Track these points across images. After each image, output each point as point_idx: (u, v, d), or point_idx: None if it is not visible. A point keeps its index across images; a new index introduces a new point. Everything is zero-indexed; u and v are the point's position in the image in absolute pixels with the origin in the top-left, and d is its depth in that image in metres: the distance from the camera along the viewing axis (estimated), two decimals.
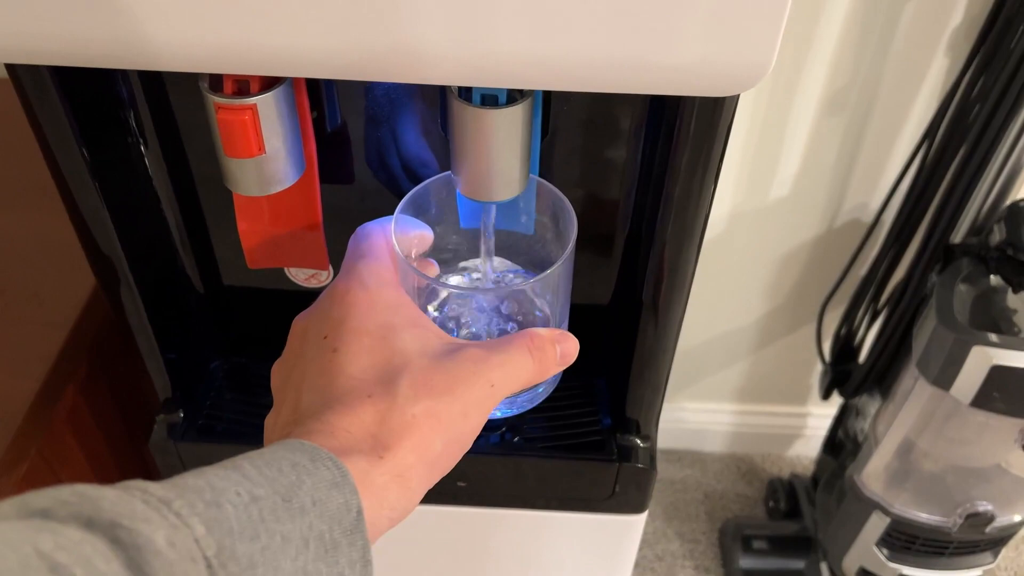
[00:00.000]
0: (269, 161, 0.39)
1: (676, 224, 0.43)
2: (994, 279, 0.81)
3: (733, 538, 1.18)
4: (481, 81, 0.35)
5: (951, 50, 0.87)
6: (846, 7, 0.84)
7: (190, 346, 0.57)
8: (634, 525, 0.58)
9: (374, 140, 0.48)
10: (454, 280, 0.46)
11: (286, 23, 0.32)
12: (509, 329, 0.44)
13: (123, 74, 0.44)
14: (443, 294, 0.43)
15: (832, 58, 0.88)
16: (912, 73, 0.89)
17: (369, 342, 0.35)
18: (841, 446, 1.08)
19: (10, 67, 0.38)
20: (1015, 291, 0.78)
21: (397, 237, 0.39)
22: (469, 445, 0.36)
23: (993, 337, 0.73)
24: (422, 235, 0.42)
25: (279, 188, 0.40)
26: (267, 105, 0.37)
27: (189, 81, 0.38)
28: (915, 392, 0.82)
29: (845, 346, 1.04)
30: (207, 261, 0.55)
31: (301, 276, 0.54)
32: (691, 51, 0.32)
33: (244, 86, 0.37)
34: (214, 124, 0.37)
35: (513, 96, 0.38)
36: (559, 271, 0.40)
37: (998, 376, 0.72)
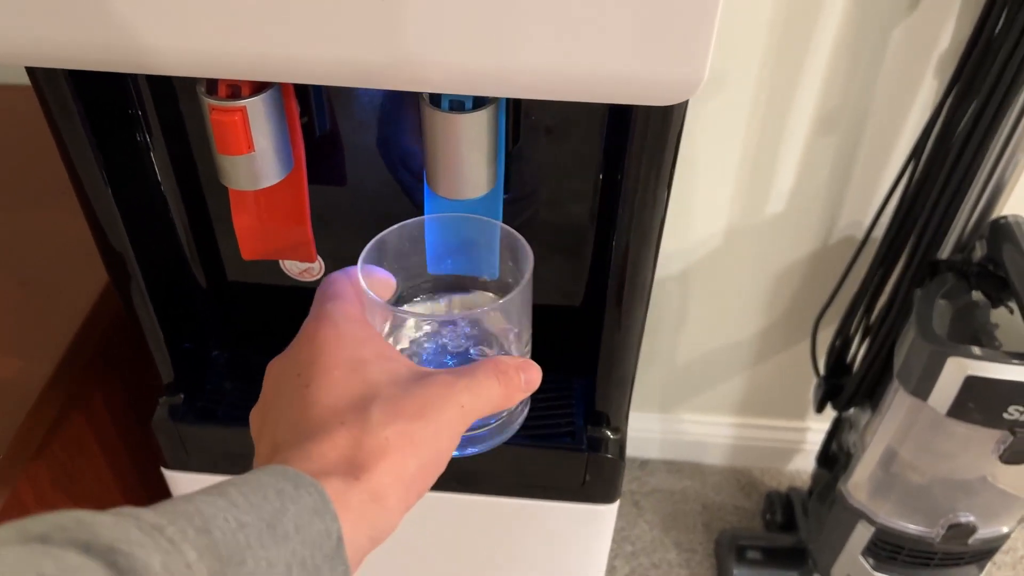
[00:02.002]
0: (257, 158, 0.43)
1: (635, 228, 0.47)
2: (976, 294, 0.83)
3: (728, 548, 1.19)
4: (448, 88, 0.39)
5: (939, 73, 0.90)
6: (836, 31, 0.88)
7: (193, 336, 0.61)
8: (605, 515, 0.61)
9: (364, 144, 0.52)
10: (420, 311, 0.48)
11: (271, 35, 0.36)
12: (475, 356, 0.45)
13: (133, 81, 0.49)
14: (409, 324, 0.45)
15: (824, 80, 0.91)
16: (901, 95, 0.92)
17: (339, 375, 0.36)
18: (835, 459, 1.10)
19: (31, 72, 0.43)
20: (994, 306, 0.80)
21: (364, 277, 0.41)
22: (444, 466, 0.36)
23: (968, 349, 0.75)
24: (386, 280, 0.43)
25: (267, 184, 0.44)
26: (256, 107, 0.41)
27: (194, 87, 0.42)
28: (896, 402, 0.84)
29: (839, 360, 1.06)
30: (211, 258, 0.59)
31: (295, 270, 0.58)
32: (630, 64, 0.36)
33: (236, 90, 0.41)
34: (209, 124, 0.41)
35: (479, 102, 0.42)
36: (517, 298, 0.41)
37: (973, 386, 0.74)
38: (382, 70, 0.37)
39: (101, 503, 0.69)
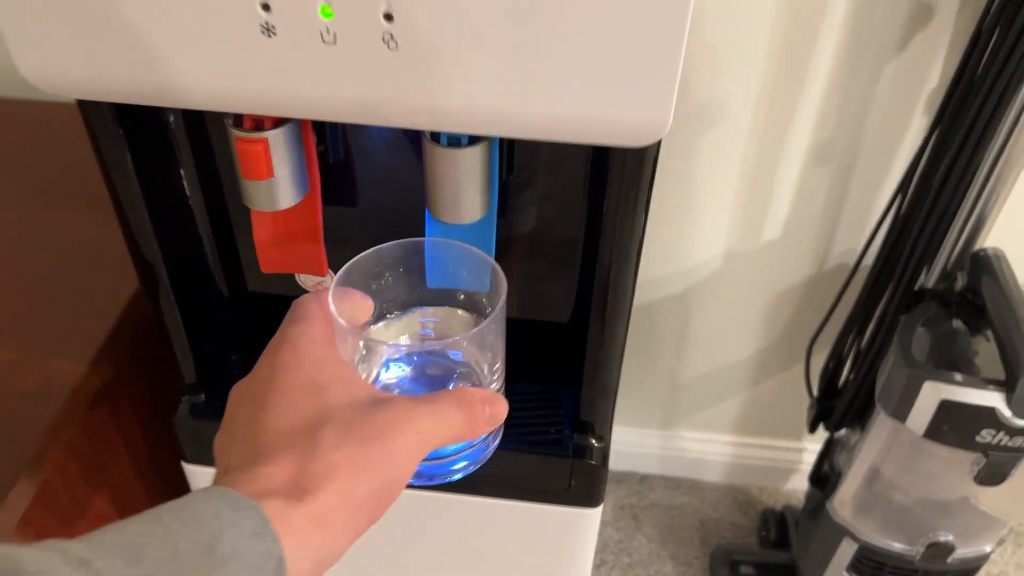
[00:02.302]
0: (277, 183, 0.48)
1: (616, 251, 0.52)
2: (956, 322, 0.87)
3: (722, 563, 1.23)
4: (445, 128, 0.44)
5: (927, 110, 0.94)
6: (829, 67, 0.92)
7: (214, 341, 0.66)
8: (589, 518, 0.65)
9: (373, 170, 0.57)
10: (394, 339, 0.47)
11: (290, 79, 0.41)
12: (449, 386, 0.45)
13: (169, 111, 0.54)
14: (380, 351, 0.44)
15: (818, 113, 0.96)
16: (891, 130, 0.96)
17: (295, 398, 0.36)
18: (826, 479, 1.13)
19: (80, 100, 0.49)
20: (973, 334, 0.84)
21: (337, 300, 0.40)
22: (398, 492, 0.36)
23: (943, 374, 0.79)
24: (363, 302, 0.43)
25: (285, 206, 0.49)
26: (277, 139, 0.47)
27: (223, 119, 0.48)
28: (878, 424, 0.88)
29: (831, 382, 1.10)
30: (233, 269, 0.65)
31: (309, 283, 0.63)
32: (605, 113, 0.41)
33: (260, 123, 0.46)
34: (234, 151, 0.47)
35: (474, 139, 0.47)
36: (490, 328, 0.41)
37: (947, 410, 0.78)
38: (386, 112, 0.42)
39: (127, 493, 0.74)
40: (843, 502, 0.98)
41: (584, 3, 0.37)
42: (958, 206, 0.85)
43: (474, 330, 0.41)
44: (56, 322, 0.72)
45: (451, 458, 0.43)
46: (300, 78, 0.41)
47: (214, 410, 0.64)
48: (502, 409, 0.40)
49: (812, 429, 1.13)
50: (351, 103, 0.42)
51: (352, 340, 0.41)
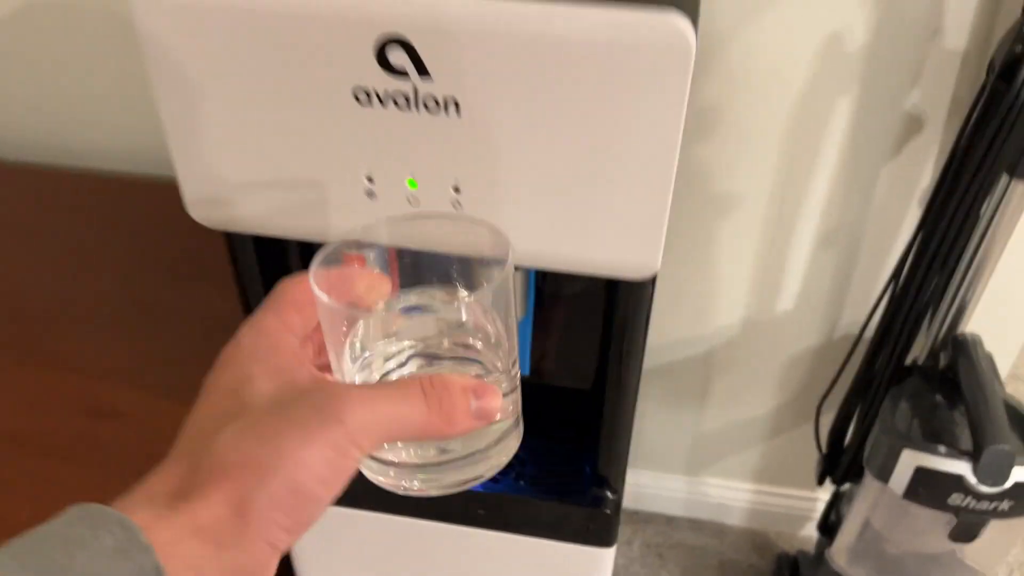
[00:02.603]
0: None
1: (624, 348, 0.66)
2: (938, 396, 0.99)
3: None
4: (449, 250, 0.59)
5: (921, 203, 1.07)
6: (834, 165, 1.05)
7: None
8: (604, 556, 0.79)
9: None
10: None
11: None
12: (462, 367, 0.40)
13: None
14: (370, 327, 0.38)
15: (826, 203, 1.09)
16: (890, 220, 1.09)
17: (216, 399, 0.34)
18: (833, 528, 1.25)
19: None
20: (950, 408, 0.96)
21: (329, 280, 0.35)
22: (321, 496, 0.31)
23: (919, 443, 0.91)
24: (379, 280, 0.39)
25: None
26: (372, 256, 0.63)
27: None
28: (867, 482, 1.00)
29: (837, 440, 1.22)
30: None
31: None
32: (608, 256, 0.56)
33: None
34: None
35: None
36: (499, 292, 0.36)
37: (922, 475, 0.90)
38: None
39: None
40: (840, 551, 1.09)
41: (592, 190, 0.53)
42: (941, 294, 0.97)
43: (483, 289, 0.36)
44: (165, 391, 0.89)
45: (430, 464, 0.37)
46: (396, 228, 0.57)
47: None
48: (493, 402, 0.34)
49: (820, 481, 1.25)
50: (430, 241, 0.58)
51: (336, 319, 0.35)
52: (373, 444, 0.32)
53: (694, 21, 0.47)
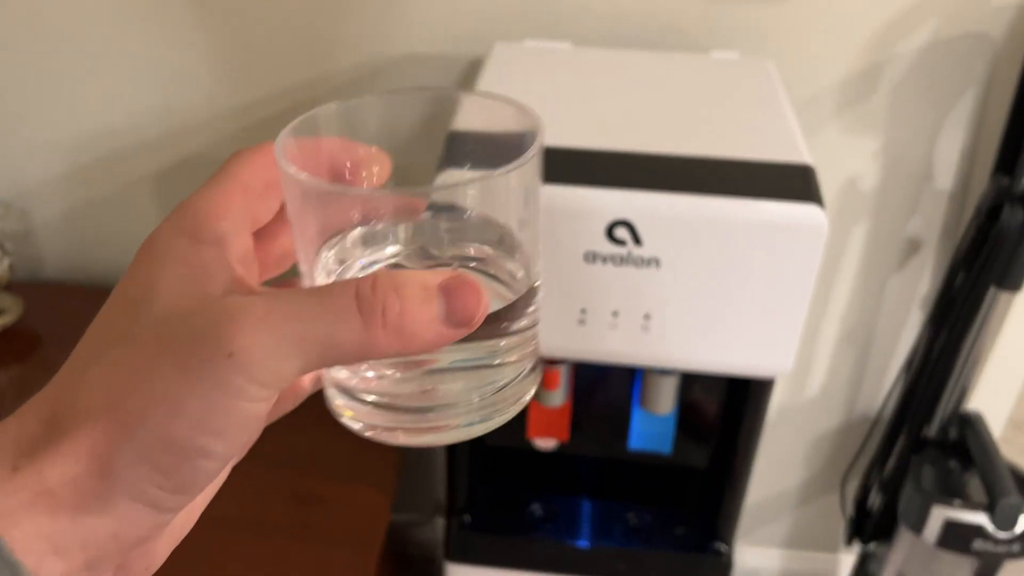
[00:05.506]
0: (559, 392, 0.86)
1: (743, 435, 0.88)
2: (952, 462, 1.22)
3: None
4: (666, 365, 0.82)
5: (923, 307, 1.33)
6: (851, 274, 1.31)
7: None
8: None
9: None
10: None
11: (590, 344, 0.80)
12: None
13: None
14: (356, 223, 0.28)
15: (845, 305, 1.35)
16: (897, 322, 1.35)
17: (114, 314, 0.27)
18: None
19: None
20: (963, 471, 1.20)
21: (284, 140, 0.27)
22: (211, 448, 0.24)
23: (947, 500, 1.14)
24: (379, 157, 0.30)
25: (554, 405, 0.87)
26: (564, 371, 0.85)
27: None
28: (900, 536, 1.22)
29: (861, 505, 1.44)
30: None
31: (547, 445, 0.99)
32: (739, 358, 0.78)
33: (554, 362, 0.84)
34: None
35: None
36: (513, 177, 0.27)
37: (951, 527, 1.13)
38: (641, 361, 0.81)
39: None
40: None
41: (747, 314, 0.76)
42: (946, 381, 1.22)
43: (500, 169, 0.26)
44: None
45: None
46: (597, 347, 0.80)
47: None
48: (471, 300, 0.25)
49: (848, 542, 1.47)
50: (624, 358, 0.80)
51: (310, 206, 0.27)
52: (286, 377, 0.24)
53: (822, 206, 0.71)
